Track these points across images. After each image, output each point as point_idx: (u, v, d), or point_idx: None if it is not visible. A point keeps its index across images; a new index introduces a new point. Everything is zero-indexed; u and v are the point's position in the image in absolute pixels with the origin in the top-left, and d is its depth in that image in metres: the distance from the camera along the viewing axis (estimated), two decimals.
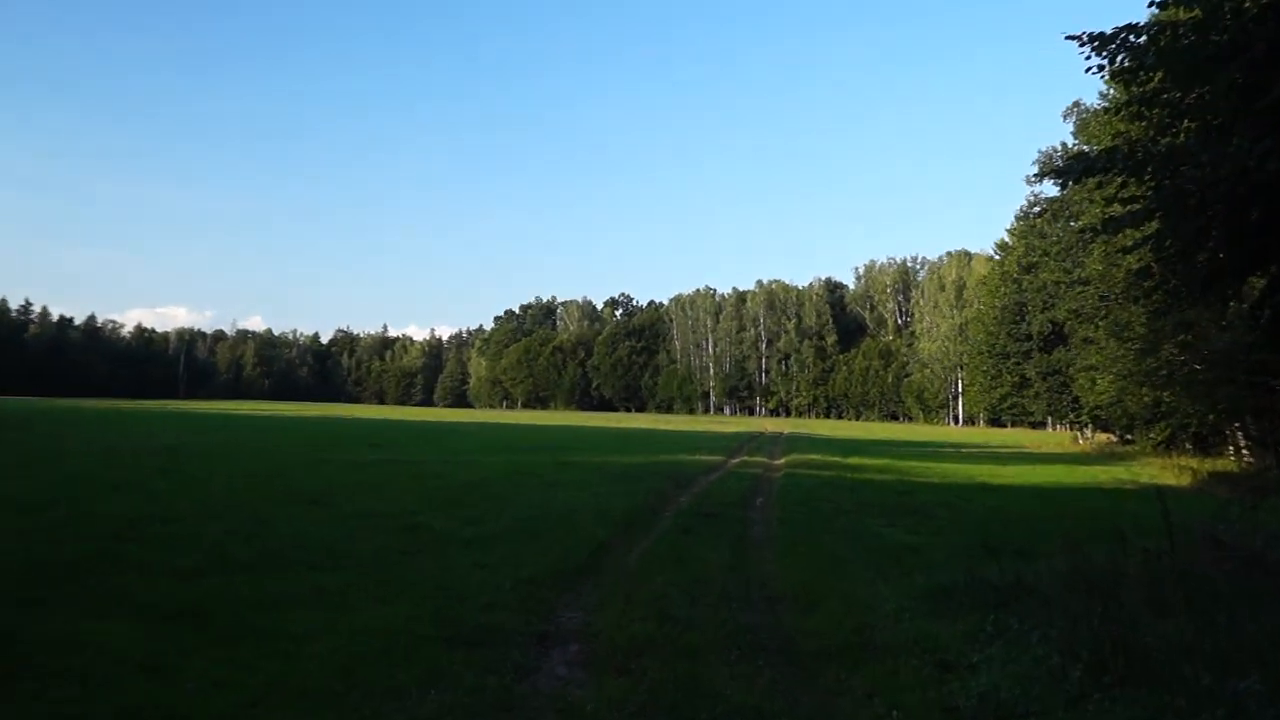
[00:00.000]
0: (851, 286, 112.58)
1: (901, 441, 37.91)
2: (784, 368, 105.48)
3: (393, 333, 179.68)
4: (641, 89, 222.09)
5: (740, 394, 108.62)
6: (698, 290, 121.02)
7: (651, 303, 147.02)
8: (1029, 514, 11.81)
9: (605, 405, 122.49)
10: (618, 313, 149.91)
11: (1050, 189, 45.77)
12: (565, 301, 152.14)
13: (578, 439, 30.16)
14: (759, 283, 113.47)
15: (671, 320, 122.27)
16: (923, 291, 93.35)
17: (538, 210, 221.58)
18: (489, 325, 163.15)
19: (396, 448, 22.09)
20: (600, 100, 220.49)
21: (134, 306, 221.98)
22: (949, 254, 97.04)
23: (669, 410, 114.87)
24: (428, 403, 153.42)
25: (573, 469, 16.82)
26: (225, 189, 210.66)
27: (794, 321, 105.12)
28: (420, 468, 16.26)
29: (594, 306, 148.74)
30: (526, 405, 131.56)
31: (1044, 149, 41.46)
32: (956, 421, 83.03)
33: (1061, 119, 34.16)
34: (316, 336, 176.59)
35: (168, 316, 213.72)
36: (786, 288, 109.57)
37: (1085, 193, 27.33)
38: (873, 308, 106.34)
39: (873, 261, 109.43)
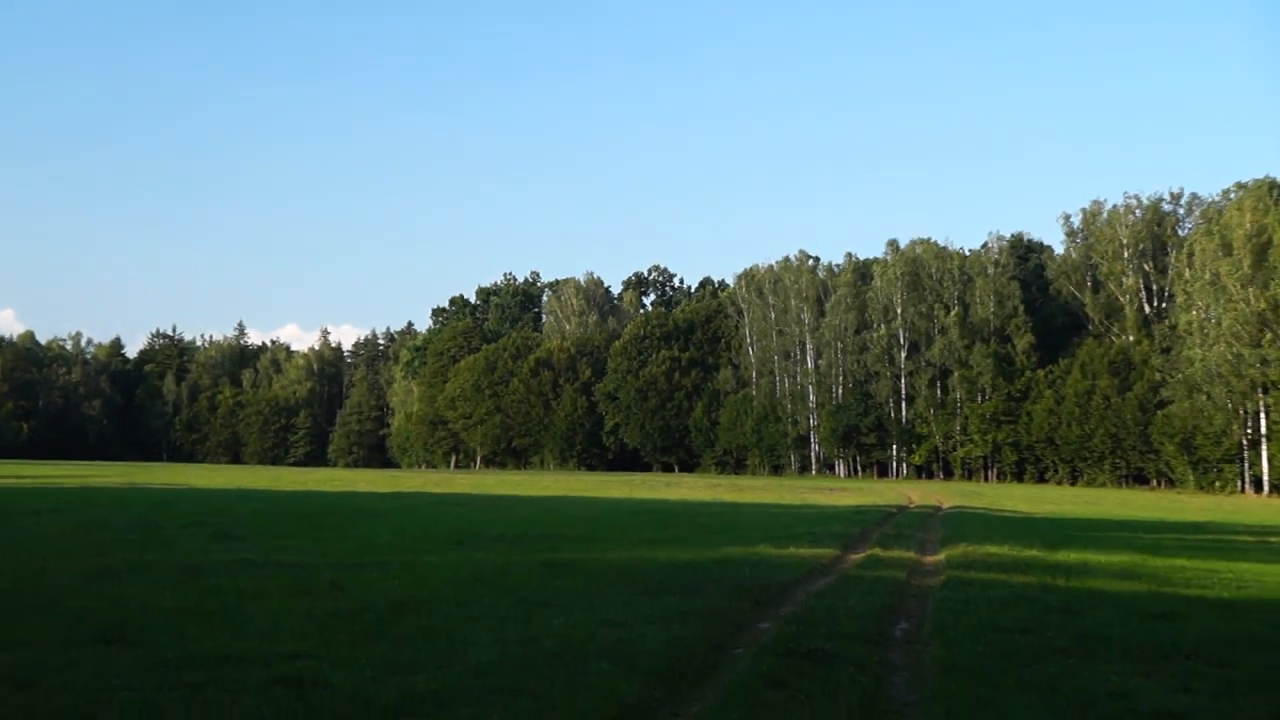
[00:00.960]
0: (1058, 249, 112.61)
1: (1156, 523, 37.63)
2: (939, 393, 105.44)
3: (255, 338, 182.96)
4: None
5: (863, 439, 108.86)
6: (786, 260, 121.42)
7: (706, 283, 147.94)
8: None
9: (629, 460, 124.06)
10: (648, 300, 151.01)
11: None
12: (556, 282, 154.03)
13: (583, 521, 30.49)
14: (893, 245, 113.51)
15: (742, 313, 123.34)
16: (1190, 254, 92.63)
17: (502, 135, 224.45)
18: (422, 324, 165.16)
19: (263, 540, 22.44)
20: None
21: None
22: (1239, 187, 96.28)
23: (739, 469, 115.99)
24: (318, 459, 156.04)
25: (574, 575, 17.16)
26: None
27: (955, 311, 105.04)
28: (306, 575, 16.62)
29: (606, 290, 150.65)
30: (492, 462, 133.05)
31: None
32: (1258, 487, 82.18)
33: None
34: (117, 346, 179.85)
35: None
36: (942, 252, 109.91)
37: None
38: (1097, 285, 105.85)
39: (1098, 204, 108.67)
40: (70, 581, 15.61)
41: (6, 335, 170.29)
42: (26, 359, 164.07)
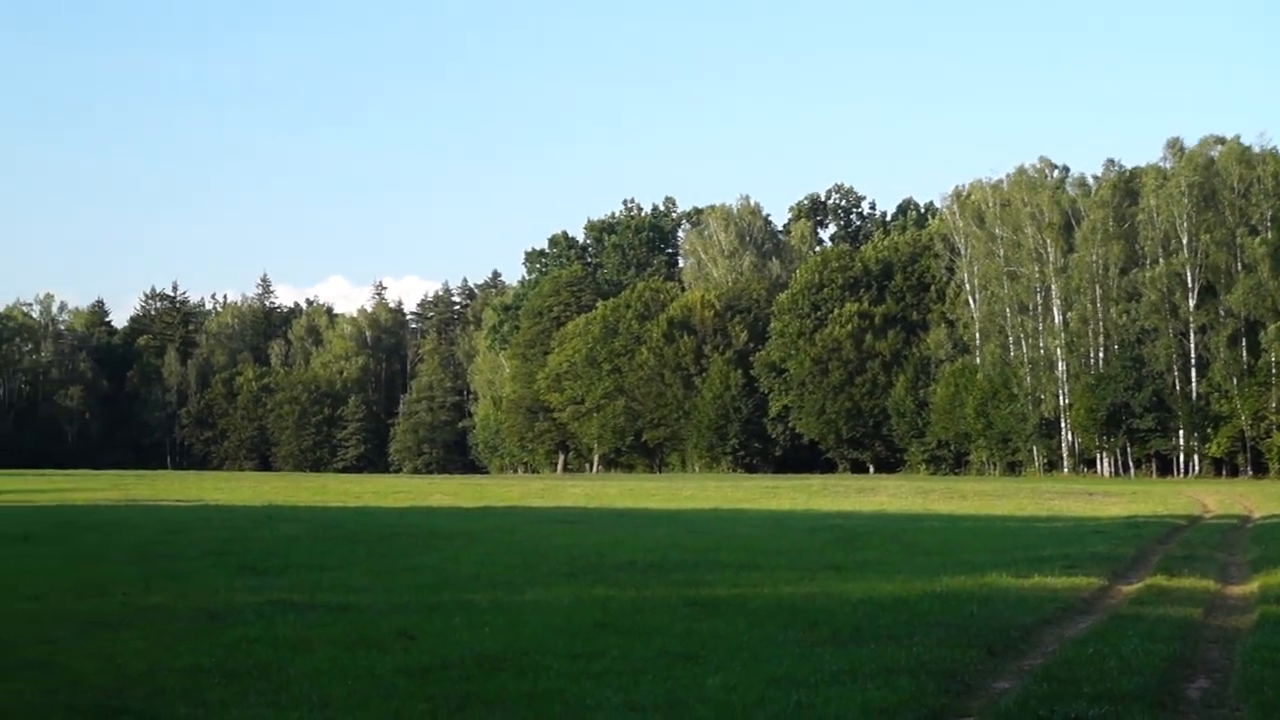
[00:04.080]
0: None
1: None
2: (1244, 355, 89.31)
3: (286, 297, 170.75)
4: None
5: (1135, 424, 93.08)
6: (1020, 171, 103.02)
7: (907, 207, 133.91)
8: None
9: (804, 458, 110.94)
10: (826, 234, 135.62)
11: None
12: (697, 212, 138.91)
13: (741, 542, 28.63)
14: (1175, 147, 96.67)
15: (957, 249, 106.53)
16: None
17: (617, 11, 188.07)
18: (513, 275, 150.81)
19: (306, 574, 21.08)
20: None
21: None
22: None
23: (959, 467, 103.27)
24: (376, 463, 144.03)
25: (730, 616, 15.92)
26: None
27: (1269, 237, 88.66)
28: (365, 621, 15.52)
29: (767, 221, 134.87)
30: (615, 464, 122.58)
31: None
32: None
33: None
34: (100, 312, 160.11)
35: None
36: (1247, 155, 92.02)
37: None
38: None
39: None
40: (49, 634, 14.37)
41: None
42: None
